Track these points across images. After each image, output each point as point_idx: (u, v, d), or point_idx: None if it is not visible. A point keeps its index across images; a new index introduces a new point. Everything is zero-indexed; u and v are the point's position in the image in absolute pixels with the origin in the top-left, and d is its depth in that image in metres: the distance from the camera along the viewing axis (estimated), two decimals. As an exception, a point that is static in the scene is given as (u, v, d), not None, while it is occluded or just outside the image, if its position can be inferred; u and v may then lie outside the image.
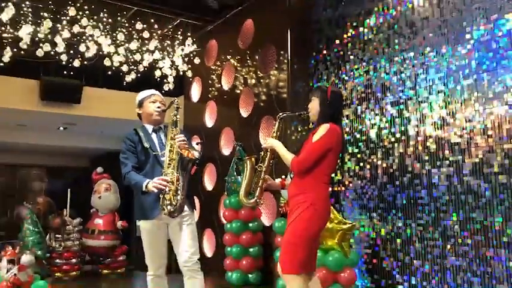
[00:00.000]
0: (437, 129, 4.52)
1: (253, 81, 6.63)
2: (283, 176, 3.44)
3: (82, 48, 6.52)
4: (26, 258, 4.49)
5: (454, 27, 4.46)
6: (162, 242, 3.29)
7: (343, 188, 5.44)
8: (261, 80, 6.48)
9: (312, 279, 3.06)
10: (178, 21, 7.04)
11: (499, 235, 3.93)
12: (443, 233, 4.36)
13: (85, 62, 6.79)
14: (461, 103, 4.34)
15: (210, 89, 7.66)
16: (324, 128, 2.95)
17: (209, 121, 7.62)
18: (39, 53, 6.11)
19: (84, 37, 6.53)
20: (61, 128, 9.56)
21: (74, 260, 6.29)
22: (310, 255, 2.94)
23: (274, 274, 5.33)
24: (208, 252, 7.15)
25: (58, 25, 6.19)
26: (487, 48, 4.16)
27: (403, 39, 4.93)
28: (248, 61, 6.79)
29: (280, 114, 3.35)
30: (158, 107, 3.44)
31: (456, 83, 4.40)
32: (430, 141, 4.57)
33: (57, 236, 6.33)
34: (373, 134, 5.17)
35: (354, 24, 5.51)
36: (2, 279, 3.87)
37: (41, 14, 5.94)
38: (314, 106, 3.08)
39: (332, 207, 4.81)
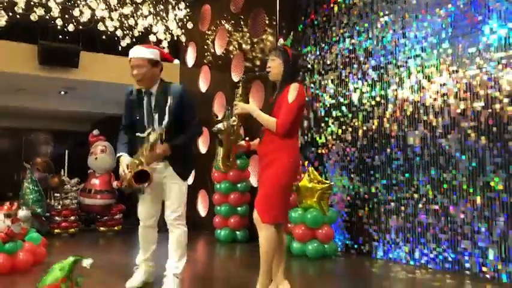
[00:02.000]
0: (414, 92, 4.65)
1: (244, 45, 6.74)
2: (246, 138, 3.58)
3: (77, 12, 6.64)
4: (22, 213, 4.79)
5: (433, -8, 4.52)
6: (148, 197, 3.47)
7: (326, 151, 5.62)
8: (252, 45, 6.58)
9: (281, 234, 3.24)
10: (171, -16, 7.09)
11: (466, 194, 4.11)
12: (416, 192, 4.55)
13: (80, 27, 6.91)
14: (436, 67, 4.45)
15: (204, 53, 7.77)
16: (294, 88, 3.06)
17: (203, 86, 7.77)
18: (34, 17, 6.24)
19: (78, 2, 6.63)
20: (62, 93, 9.75)
21: (72, 218, 6.61)
22: (286, 205, 3.18)
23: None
24: (202, 211, 7.45)
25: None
26: (464, 13, 4.23)
27: (385, 3, 4.99)
28: (240, 26, 6.88)
29: (242, 76, 3.44)
30: (134, 75, 3.29)
31: (433, 47, 4.49)
32: (406, 104, 4.71)
33: (55, 194, 6.63)
34: (355, 98, 5.31)
35: (340, -12, 5.56)
36: (-1, 231, 4.15)
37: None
38: (276, 66, 3.13)
39: (312, 168, 5.02)
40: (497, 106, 3.93)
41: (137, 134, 3.32)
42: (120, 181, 3.38)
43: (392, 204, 4.78)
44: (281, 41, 3.29)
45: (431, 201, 4.40)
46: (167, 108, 3.27)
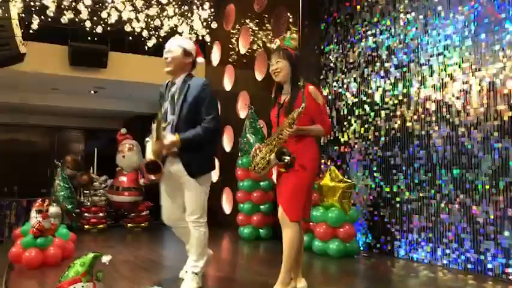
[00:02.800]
0: (437, 91, 4.60)
1: (268, 44, 6.78)
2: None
3: (104, 15, 6.83)
4: (53, 209, 4.98)
5: (456, -11, 4.46)
6: (165, 195, 3.51)
7: (349, 149, 5.62)
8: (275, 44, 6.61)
9: None
10: (195, -15, 7.19)
11: (489, 195, 4.05)
12: (438, 192, 4.51)
13: (108, 28, 7.11)
14: (459, 65, 4.39)
15: (229, 52, 7.86)
16: (315, 90, 3.15)
17: (228, 84, 7.86)
18: (64, 20, 6.46)
19: (106, 4, 6.82)
20: (92, 92, 10.05)
21: (101, 214, 6.84)
22: (310, 202, 3.29)
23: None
24: (227, 209, 7.55)
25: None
26: (487, 10, 4.16)
27: (408, 1, 4.94)
28: (263, 24, 6.93)
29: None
30: (164, 58, 3.40)
31: (455, 45, 4.43)
32: (429, 103, 4.66)
33: (85, 191, 6.87)
34: (377, 96, 5.28)
35: (363, -14, 5.53)
36: (31, 226, 4.36)
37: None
38: (283, 67, 3.14)
39: (334, 167, 5.04)
40: (522, 105, 3.86)
41: (162, 124, 3.31)
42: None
43: (415, 203, 4.74)
44: (277, 42, 3.28)
45: (454, 201, 4.35)
46: (182, 98, 3.32)
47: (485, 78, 4.16)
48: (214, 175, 8.23)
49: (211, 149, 3.49)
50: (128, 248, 5.73)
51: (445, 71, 4.52)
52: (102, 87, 9.46)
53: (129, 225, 7.10)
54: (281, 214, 3.15)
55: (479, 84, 4.20)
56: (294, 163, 3.00)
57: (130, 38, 7.38)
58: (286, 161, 2.97)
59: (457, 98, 4.39)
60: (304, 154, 3.08)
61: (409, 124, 4.86)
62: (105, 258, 2.41)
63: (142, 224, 7.15)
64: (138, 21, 7.09)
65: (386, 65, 5.18)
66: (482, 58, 4.19)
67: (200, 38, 7.72)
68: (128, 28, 7.11)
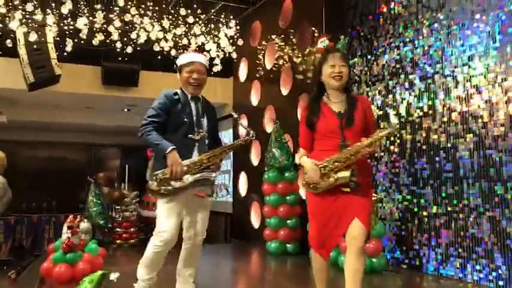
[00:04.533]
0: (462, 102, 4.50)
1: (292, 59, 6.83)
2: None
3: (134, 35, 7.08)
4: (83, 225, 5.13)
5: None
6: None
7: (375, 163, 5.55)
8: (299, 59, 6.66)
9: None
10: (221, 5, 7.36)
11: (519, 208, 3.92)
12: (466, 205, 4.39)
13: (138, 48, 7.36)
14: (484, 76, 4.29)
15: (256, 68, 7.95)
16: (369, 101, 3.10)
17: (254, 99, 7.94)
18: (96, 41, 6.74)
19: (135, 25, 7.08)
20: (125, 110, 10.36)
21: (132, 229, 7.00)
22: None
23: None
24: (256, 223, 7.57)
25: (111, 15, 6.76)
26: (511, 19, 4.07)
27: (430, 12, 4.89)
28: (288, 40, 6.99)
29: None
30: (195, 79, 3.26)
31: (480, 55, 4.34)
32: (454, 115, 4.57)
33: (117, 207, 7.06)
34: (402, 108, 5.22)
35: (386, -1, 5.51)
36: (61, 242, 4.52)
37: (94, 6, 6.53)
38: (346, 74, 2.85)
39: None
40: (550, 115, 3.73)
41: (189, 135, 3.22)
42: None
43: (443, 217, 4.63)
44: (326, 41, 3.02)
45: (483, 215, 4.22)
46: (206, 115, 3.34)
47: (511, 88, 4.04)
48: (242, 189, 8.28)
49: None
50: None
51: (470, 82, 4.43)
52: (134, 105, 9.75)
53: (159, 240, 7.23)
54: (362, 242, 2.76)
55: (506, 95, 4.08)
56: (361, 184, 2.77)
57: (160, 57, 7.61)
58: (355, 181, 2.73)
59: (483, 109, 4.28)
60: (367, 170, 2.92)
61: (434, 136, 4.77)
62: (113, 276, 2.48)
63: (172, 239, 7.26)
64: (167, 40, 7.31)
65: (410, 77, 5.12)
66: (508, 68, 4.08)
67: (227, 55, 7.88)
68: (157, 47, 7.34)
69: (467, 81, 4.47)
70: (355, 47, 5.99)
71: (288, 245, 6.15)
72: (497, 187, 4.11)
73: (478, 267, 4.25)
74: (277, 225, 6.14)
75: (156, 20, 7.03)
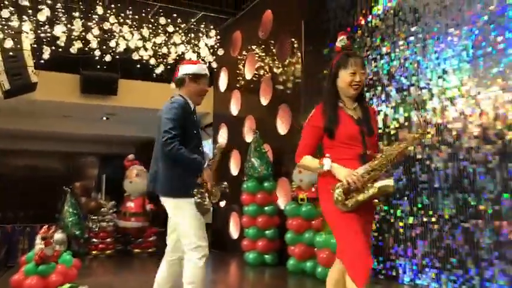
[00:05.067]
0: (437, 114, 4.58)
1: (272, 70, 6.86)
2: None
3: (113, 44, 7.03)
4: (58, 235, 5.02)
5: (453, 13, 4.48)
6: None
7: (353, 173, 5.58)
8: (279, 69, 6.70)
9: None
10: (201, 15, 7.37)
11: (491, 219, 3.98)
12: (441, 217, 4.44)
13: (117, 57, 7.31)
14: (458, 88, 4.37)
15: (236, 78, 7.96)
16: (376, 110, 2.94)
17: (234, 109, 7.94)
18: (74, 49, 6.67)
19: (114, 33, 7.03)
20: (104, 118, 10.25)
21: (108, 240, 6.89)
22: None
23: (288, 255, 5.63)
24: (234, 234, 7.53)
25: (90, 23, 6.70)
26: (484, 33, 4.16)
27: (407, 25, 4.97)
28: (268, 51, 7.03)
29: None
30: (206, 91, 3.30)
31: (454, 69, 4.43)
32: (429, 126, 4.63)
33: (93, 217, 6.94)
34: (379, 120, 5.27)
35: (363, 11, 5.59)
36: (34, 253, 4.41)
37: (73, 14, 6.47)
38: (364, 81, 2.68)
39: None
40: (521, 128, 3.81)
41: (200, 148, 3.24)
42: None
43: (419, 228, 4.67)
44: (344, 39, 2.72)
45: (457, 226, 4.27)
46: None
47: (484, 101, 4.13)
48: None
49: None
50: (133, 274, 5.75)
51: (445, 95, 4.51)
52: (113, 113, 9.66)
53: (135, 250, 7.13)
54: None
55: (479, 107, 4.17)
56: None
57: (139, 65, 7.57)
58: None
59: (457, 121, 4.35)
60: None
61: (410, 148, 4.82)
62: (81, 289, 2.43)
63: (149, 250, 7.17)
64: (146, 49, 7.28)
65: (387, 89, 5.18)
66: (481, 81, 4.17)
67: (207, 64, 7.87)
68: (136, 56, 7.30)
69: (442, 93, 4.55)
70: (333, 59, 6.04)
71: (266, 256, 6.13)
72: (470, 198, 4.17)
73: (452, 277, 4.29)
74: (255, 235, 6.12)
75: (135, 28, 7.00)
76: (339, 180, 2.47)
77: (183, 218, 3.11)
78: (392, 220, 4.98)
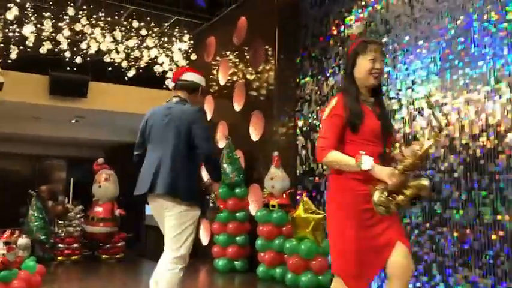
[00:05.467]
0: (406, 125, 4.68)
1: (246, 76, 6.88)
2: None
3: (84, 45, 6.92)
4: (21, 241, 4.88)
5: (423, 25, 4.60)
6: None
7: (323, 180, 5.65)
8: (252, 76, 6.72)
9: None
10: (175, 18, 7.34)
11: (457, 227, 4.09)
12: (408, 224, 4.53)
13: (88, 59, 7.19)
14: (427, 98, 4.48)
15: (209, 83, 7.94)
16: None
17: (207, 114, 7.91)
18: (43, 50, 6.52)
19: (86, 35, 6.92)
20: (73, 121, 10.04)
21: (75, 245, 6.72)
22: None
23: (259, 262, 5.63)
24: (204, 240, 7.47)
25: (60, 24, 6.58)
26: (452, 46, 4.29)
27: (377, 36, 5.08)
28: (242, 57, 7.04)
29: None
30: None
31: (422, 80, 4.54)
32: (398, 136, 4.73)
33: (59, 222, 6.77)
34: (350, 128, 5.35)
35: (336, 22, 5.68)
36: (-5, 259, 4.26)
37: (43, 14, 6.34)
38: (383, 69, 2.47)
39: (307, 198, 5.06)
40: (485, 139, 3.94)
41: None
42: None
43: (386, 235, 4.75)
44: (360, 25, 2.68)
45: (424, 234, 4.37)
46: None
47: (451, 112, 4.24)
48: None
49: None
50: (100, 280, 5.63)
51: (413, 105, 4.61)
52: (82, 116, 9.47)
53: (103, 256, 6.98)
54: (404, 260, 2.27)
55: (446, 118, 4.28)
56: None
57: (110, 68, 7.48)
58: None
59: (425, 131, 4.46)
60: None
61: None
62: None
63: (117, 256, 7.03)
64: (118, 52, 7.19)
65: (358, 98, 5.27)
66: (448, 93, 4.29)
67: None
68: (107, 59, 7.20)
69: (410, 104, 4.65)
70: (306, 67, 6.12)
71: (236, 262, 6.11)
72: (436, 206, 4.27)
73: (418, 284, 4.37)
74: (226, 242, 6.09)
75: (107, 31, 6.91)
76: (377, 180, 2.21)
77: (187, 226, 3.07)
78: (361, 227, 5.04)
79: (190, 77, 3.39)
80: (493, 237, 3.81)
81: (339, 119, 2.33)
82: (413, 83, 4.64)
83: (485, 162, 3.93)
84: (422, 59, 4.56)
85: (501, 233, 3.76)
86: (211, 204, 3.48)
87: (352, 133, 2.33)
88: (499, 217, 3.78)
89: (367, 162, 2.21)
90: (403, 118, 4.72)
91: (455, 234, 4.08)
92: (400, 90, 4.78)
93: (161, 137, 3.16)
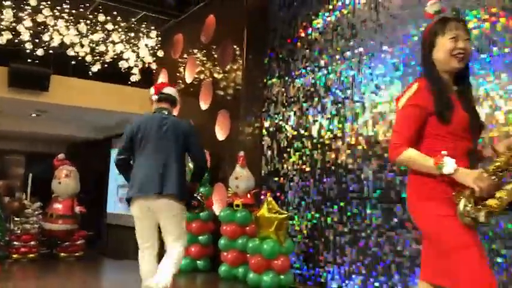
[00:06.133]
0: (368, 128, 4.78)
1: (213, 75, 6.86)
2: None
3: (46, 37, 6.72)
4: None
5: (387, 31, 4.71)
6: None
7: (287, 181, 5.69)
8: (220, 75, 6.71)
9: None
10: (142, 14, 7.23)
11: (413, 229, 4.20)
12: (369, 225, 4.63)
13: (50, 51, 6.99)
14: (389, 103, 4.60)
15: (175, 81, 7.87)
16: None
17: (173, 112, 7.83)
18: (2, 40, 6.30)
19: (49, 27, 6.72)
20: (33, 115, 9.72)
21: (32, 243, 6.51)
22: None
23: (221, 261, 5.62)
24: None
25: (21, 14, 6.36)
26: (415, 52, 4.41)
27: (344, 40, 5.17)
28: (209, 55, 7.01)
29: None
30: None
31: (386, 84, 4.65)
32: (361, 139, 4.83)
33: (16, 219, 6.54)
34: (314, 130, 5.42)
35: (304, 24, 5.75)
36: None
37: (3, 2, 6.12)
38: (469, 52, 2.13)
39: (271, 198, 5.09)
40: None
41: None
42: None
43: (348, 235, 4.84)
44: (437, 4, 2.13)
45: (383, 234, 4.47)
46: None
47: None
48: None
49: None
50: (58, 278, 5.49)
51: (376, 109, 4.72)
52: (44, 110, 9.19)
53: (62, 254, 6.80)
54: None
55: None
56: None
57: (74, 62, 7.29)
58: None
59: (385, 135, 4.57)
60: None
61: (342, 158, 5.01)
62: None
63: (77, 254, 6.87)
64: (82, 45, 7.02)
65: (323, 100, 5.35)
66: (409, 98, 4.40)
67: (146, 65, 7.73)
68: (71, 52, 7.03)
69: (373, 107, 4.76)
70: (273, 68, 6.16)
71: (198, 262, 6.07)
72: (395, 208, 4.38)
73: (376, 284, 4.48)
74: (189, 241, 6.03)
75: (72, 23, 6.73)
76: (462, 186, 1.90)
77: (183, 218, 3.65)
78: (322, 227, 5.12)
79: (171, 91, 3.88)
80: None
81: (418, 109, 2.01)
82: (377, 87, 4.75)
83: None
84: (386, 64, 4.67)
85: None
86: (201, 200, 4.08)
87: (439, 126, 2.01)
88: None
89: (449, 165, 1.88)
90: (365, 122, 4.82)
91: (413, 235, 4.20)
92: (364, 94, 4.88)
93: (161, 144, 3.52)
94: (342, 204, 4.94)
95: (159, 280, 3.28)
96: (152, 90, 3.85)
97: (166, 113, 3.72)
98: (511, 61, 3.68)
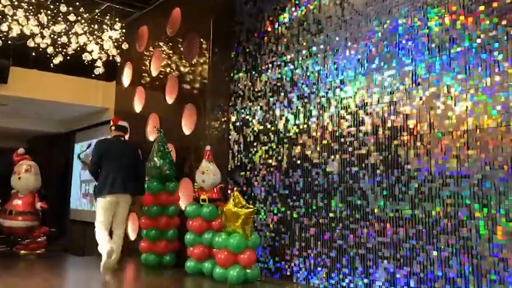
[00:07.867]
0: (333, 122, 4.85)
1: (179, 68, 6.78)
2: None
3: (5, 28, 6.47)
4: None
5: (352, 28, 4.78)
6: None
7: (254, 175, 5.71)
8: (186, 68, 6.64)
9: None
10: (106, 5, 7.07)
11: (377, 222, 4.30)
12: (334, 219, 4.70)
13: (9, 42, 6.74)
14: (353, 99, 4.67)
15: (141, 74, 7.74)
16: None
17: (138, 106, 7.72)
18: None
19: (8, 16, 6.47)
20: (-9, 108, 9.37)
21: (-10, 240, 6.32)
22: None
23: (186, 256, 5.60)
24: (132, 235, 7.30)
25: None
26: (378, 49, 4.49)
27: (310, 36, 5.21)
28: (175, 49, 6.93)
29: None
30: None
31: (350, 80, 4.72)
32: (326, 133, 4.89)
33: (-27, 216, 6.33)
34: (281, 125, 5.45)
35: (271, 18, 5.75)
36: None
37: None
38: None
39: (237, 192, 5.09)
40: (405, 138, 4.17)
41: None
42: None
43: (313, 229, 4.90)
44: None
45: (348, 228, 4.56)
46: None
47: (376, 112, 4.45)
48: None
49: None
50: (17, 277, 5.32)
51: (341, 104, 4.79)
52: (2, 103, 8.88)
53: (22, 252, 6.61)
54: None
55: (371, 117, 4.49)
56: None
57: (35, 53, 7.07)
58: None
59: (350, 129, 4.65)
60: None
61: (308, 152, 5.06)
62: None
63: (38, 251, 6.69)
64: (43, 37, 6.80)
65: (289, 95, 5.38)
66: (373, 93, 4.49)
67: (110, 58, 7.57)
68: (31, 43, 6.80)
69: (338, 103, 4.82)
70: (240, 62, 6.15)
71: (164, 257, 6.02)
72: (359, 202, 4.47)
73: (341, 276, 4.56)
74: (155, 237, 5.98)
75: (32, 13, 6.51)
76: None
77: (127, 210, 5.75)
78: (288, 221, 5.17)
79: (124, 123, 5.93)
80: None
81: None
82: (342, 82, 4.81)
83: (405, 160, 4.15)
84: (351, 60, 4.74)
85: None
86: None
87: None
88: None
89: None
90: (330, 116, 4.88)
91: (376, 228, 4.30)
92: (329, 89, 4.94)
93: (121, 159, 5.54)
94: (307, 197, 5.00)
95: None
96: (111, 122, 5.81)
97: (123, 138, 5.81)
98: (470, 58, 3.80)
